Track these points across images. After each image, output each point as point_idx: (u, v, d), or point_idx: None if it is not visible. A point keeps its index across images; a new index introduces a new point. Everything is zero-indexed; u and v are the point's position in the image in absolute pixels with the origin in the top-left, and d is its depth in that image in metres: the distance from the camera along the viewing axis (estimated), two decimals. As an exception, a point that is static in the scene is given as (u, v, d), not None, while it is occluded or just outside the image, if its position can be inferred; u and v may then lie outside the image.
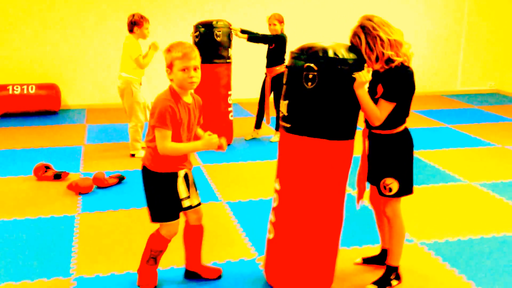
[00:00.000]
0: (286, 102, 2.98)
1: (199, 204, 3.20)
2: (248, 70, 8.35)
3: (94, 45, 8.17)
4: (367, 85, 2.97)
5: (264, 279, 3.33)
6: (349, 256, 3.62)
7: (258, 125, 6.63)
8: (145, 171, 3.05)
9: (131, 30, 5.65)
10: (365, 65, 2.93)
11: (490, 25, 9.73)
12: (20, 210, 4.36)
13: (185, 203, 3.08)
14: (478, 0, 9.59)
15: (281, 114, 3.05)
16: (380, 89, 2.99)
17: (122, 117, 6.92)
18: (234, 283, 3.31)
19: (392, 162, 3.13)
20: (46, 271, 3.44)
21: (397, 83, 2.96)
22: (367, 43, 2.92)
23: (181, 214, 3.14)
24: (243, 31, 6.12)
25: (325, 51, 2.82)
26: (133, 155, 5.82)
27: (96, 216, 4.28)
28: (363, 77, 2.83)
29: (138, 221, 4.12)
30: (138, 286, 3.19)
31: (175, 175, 3.02)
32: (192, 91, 3.05)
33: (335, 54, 2.82)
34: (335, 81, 2.83)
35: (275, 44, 6.14)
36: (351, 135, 2.97)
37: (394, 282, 3.26)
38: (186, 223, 3.25)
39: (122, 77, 5.69)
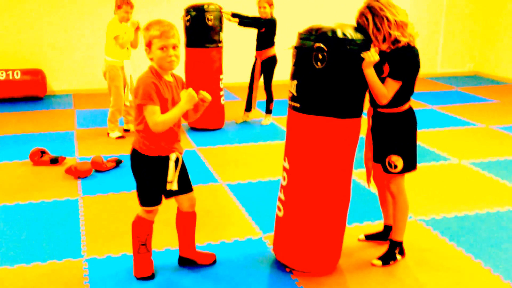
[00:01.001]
0: (295, 82, 3.05)
1: (191, 190, 3.16)
2: (233, 54, 8.36)
3: (79, 30, 8.09)
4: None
5: (273, 256, 3.41)
6: (352, 233, 3.72)
7: (248, 108, 6.67)
8: (136, 155, 3.00)
9: (115, 12, 5.69)
10: (372, 45, 3.01)
11: (469, 9, 9.90)
12: (21, 195, 4.35)
13: (168, 186, 3.02)
14: (458, -17, 9.77)
15: (289, 94, 3.11)
16: (386, 69, 3.07)
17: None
18: (245, 260, 3.39)
19: (397, 139, 3.22)
20: (57, 253, 3.46)
21: (403, 62, 3.04)
22: (375, 23, 3.00)
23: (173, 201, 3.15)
24: (234, 15, 6.12)
25: (334, 31, 2.89)
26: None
27: (98, 199, 4.31)
28: (372, 56, 2.90)
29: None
30: (135, 277, 3.14)
31: (166, 159, 3.00)
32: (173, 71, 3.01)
33: (343, 34, 2.89)
34: (344, 61, 2.90)
35: (266, 27, 6.18)
36: (358, 114, 3.06)
37: (398, 257, 3.38)
38: (178, 210, 3.22)
39: (105, 60, 5.80)
